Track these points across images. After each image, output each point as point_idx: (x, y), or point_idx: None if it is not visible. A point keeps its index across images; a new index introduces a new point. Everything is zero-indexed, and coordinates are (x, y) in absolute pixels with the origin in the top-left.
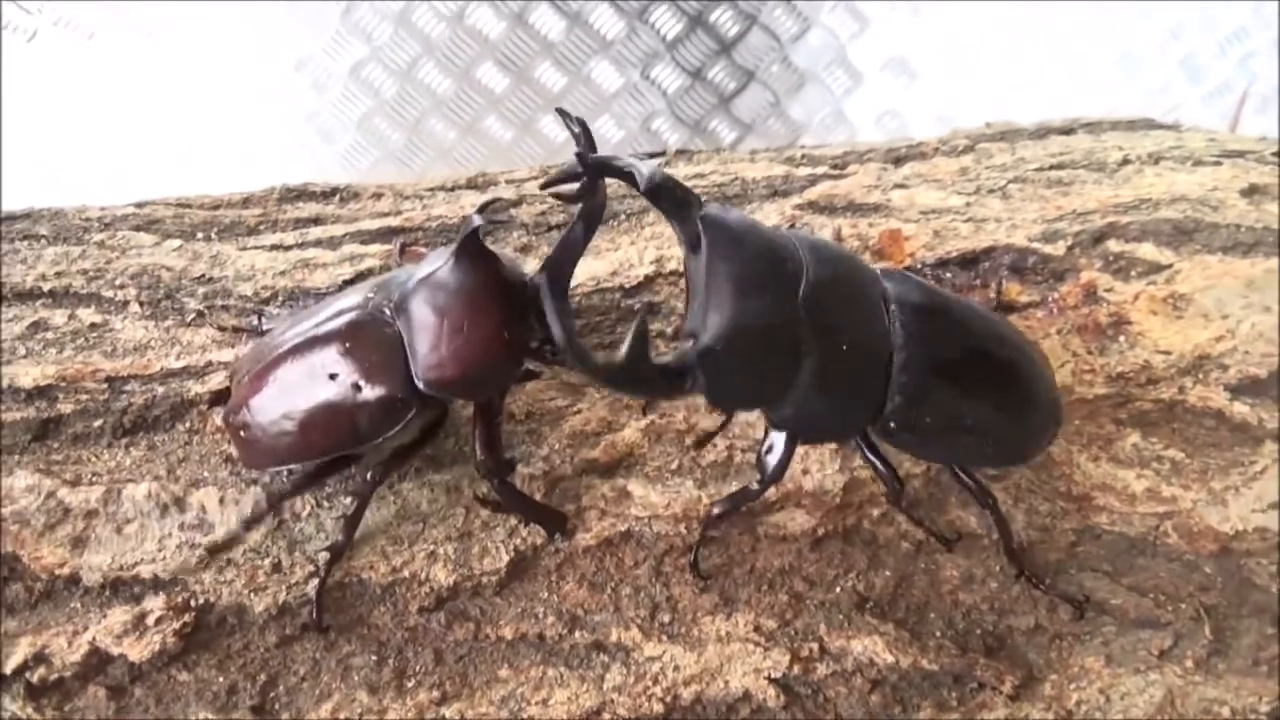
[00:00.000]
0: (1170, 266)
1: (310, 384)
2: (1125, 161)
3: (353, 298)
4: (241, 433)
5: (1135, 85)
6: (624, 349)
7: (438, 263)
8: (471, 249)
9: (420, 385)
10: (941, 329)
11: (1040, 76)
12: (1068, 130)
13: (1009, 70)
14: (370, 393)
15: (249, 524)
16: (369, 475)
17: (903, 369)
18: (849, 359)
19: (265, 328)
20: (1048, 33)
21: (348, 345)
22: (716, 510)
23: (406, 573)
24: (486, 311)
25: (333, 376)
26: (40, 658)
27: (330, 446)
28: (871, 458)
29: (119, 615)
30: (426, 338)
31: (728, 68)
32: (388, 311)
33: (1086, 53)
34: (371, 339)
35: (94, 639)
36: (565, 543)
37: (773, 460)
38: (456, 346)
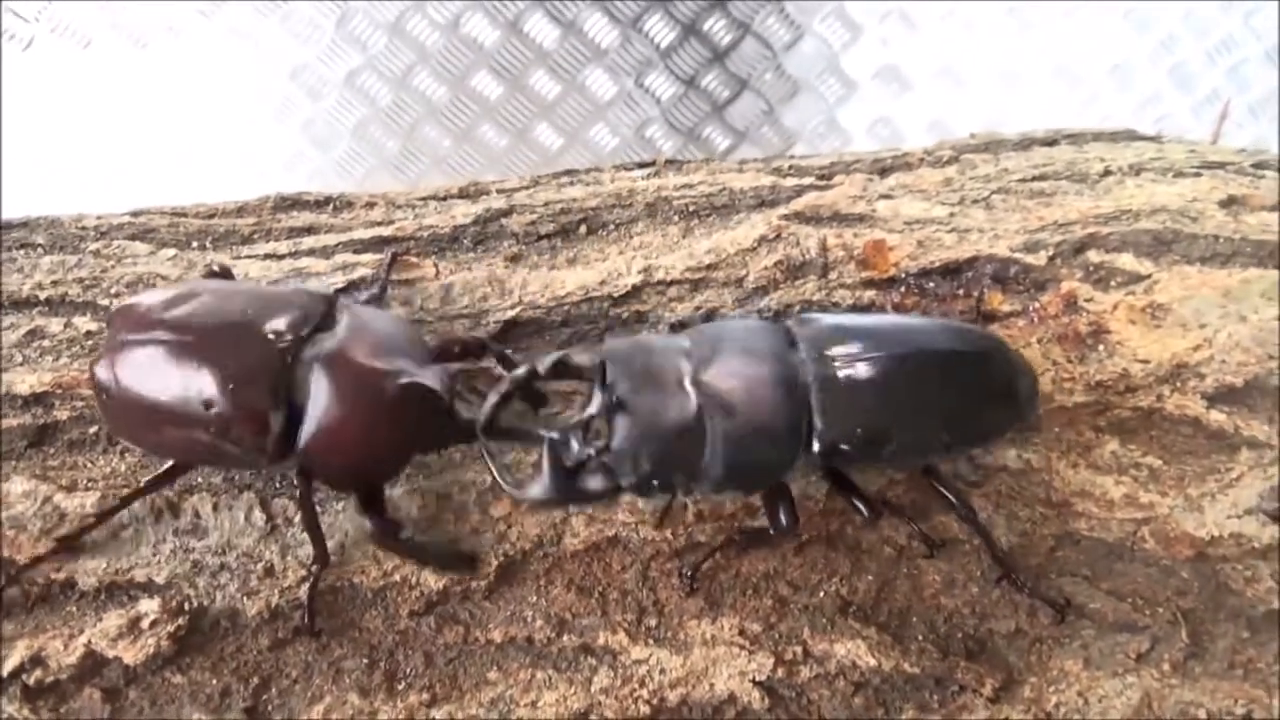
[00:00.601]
0: (1149, 277)
1: (181, 390)
2: (1107, 173)
3: (248, 323)
4: (103, 395)
5: (1126, 94)
6: (545, 478)
7: (382, 361)
8: (417, 391)
9: (297, 449)
10: (850, 348)
11: (1032, 85)
12: (1050, 141)
13: (1001, 79)
14: (236, 434)
15: (101, 517)
16: (299, 487)
17: (819, 394)
18: (751, 409)
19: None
20: (1040, 42)
21: (233, 384)
22: (740, 540)
23: (397, 577)
24: (396, 430)
25: (207, 406)
26: (37, 660)
27: (182, 458)
28: (841, 490)
29: (114, 619)
30: (326, 426)
31: (721, 76)
32: (288, 359)
33: (1078, 61)
34: (261, 386)
35: (89, 642)
36: (478, 581)
37: (775, 511)
38: (354, 453)
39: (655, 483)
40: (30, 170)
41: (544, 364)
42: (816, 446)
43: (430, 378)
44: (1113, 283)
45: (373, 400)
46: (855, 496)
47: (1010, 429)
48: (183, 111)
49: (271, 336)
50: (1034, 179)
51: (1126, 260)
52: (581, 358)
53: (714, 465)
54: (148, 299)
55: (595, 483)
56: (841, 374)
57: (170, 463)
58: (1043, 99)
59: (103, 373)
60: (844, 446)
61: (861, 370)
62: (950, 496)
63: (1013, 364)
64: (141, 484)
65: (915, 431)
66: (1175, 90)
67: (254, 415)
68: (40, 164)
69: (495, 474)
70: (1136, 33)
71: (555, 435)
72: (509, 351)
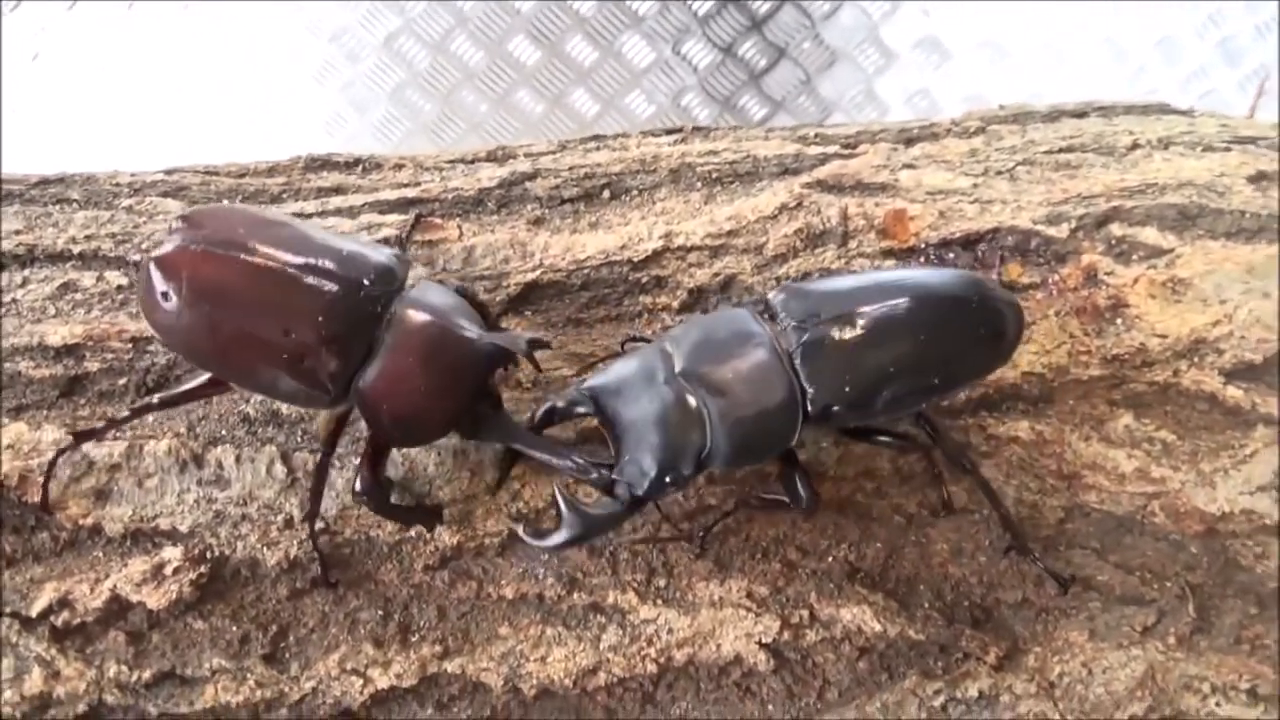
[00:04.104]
0: (1172, 251)
1: (263, 312)
2: (1135, 146)
3: (343, 264)
4: (164, 302)
5: (1173, 68)
6: (565, 520)
7: (459, 320)
8: (496, 352)
9: (355, 391)
10: (824, 309)
11: (1076, 59)
12: (1080, 114)
13: (1044, 52)
14: (308, 366)
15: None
16: (321, 447)
17: (803, 360)
18: (742, 381)
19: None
20: (1084, 14)
21: (322, 316)
22: (754, 504)
23: (413, 531)
24: (456, 394)
25: (287, 332)
26: (64, 602)
27: (235, 379)
28: (864, 440)
29: (138, 565)
30: (393, 369)
31: (759, 44)
32: (377, 308)
33: (1123, 35)
34: (347, 326)
35: (115, 586)
36: (440, 530)
37: (799, 486)
38: (412, 402)
39: (667, 479)
40: (70, 127)
41: (538, 415)
42: (810, 410)
43: (507, 340)
44: (1134, 256)
45: (447, 353)
46: (881, 438)
47: (1004, 360)
48: (224, 72)
49: (367, 283)
50: (1060, 151)
51: (1150, 234)
52: (569, 395)
53: (720, 444)
54: (229, 214)
55: (612, 505)
56: (820, 336)
57: (204, 378)
58: (1086, 72)
59: (167, 273)
60: (835, 407)
61: (839, 330)
62: (953, 451)
63: (992, 296)
64: (155, 398)
65: (903, 379)
66: (1223, 65)
67: (335, 354)
68: (81, 122)
69: (516, 530)
70: (1184, 7)
71: (573, 463)
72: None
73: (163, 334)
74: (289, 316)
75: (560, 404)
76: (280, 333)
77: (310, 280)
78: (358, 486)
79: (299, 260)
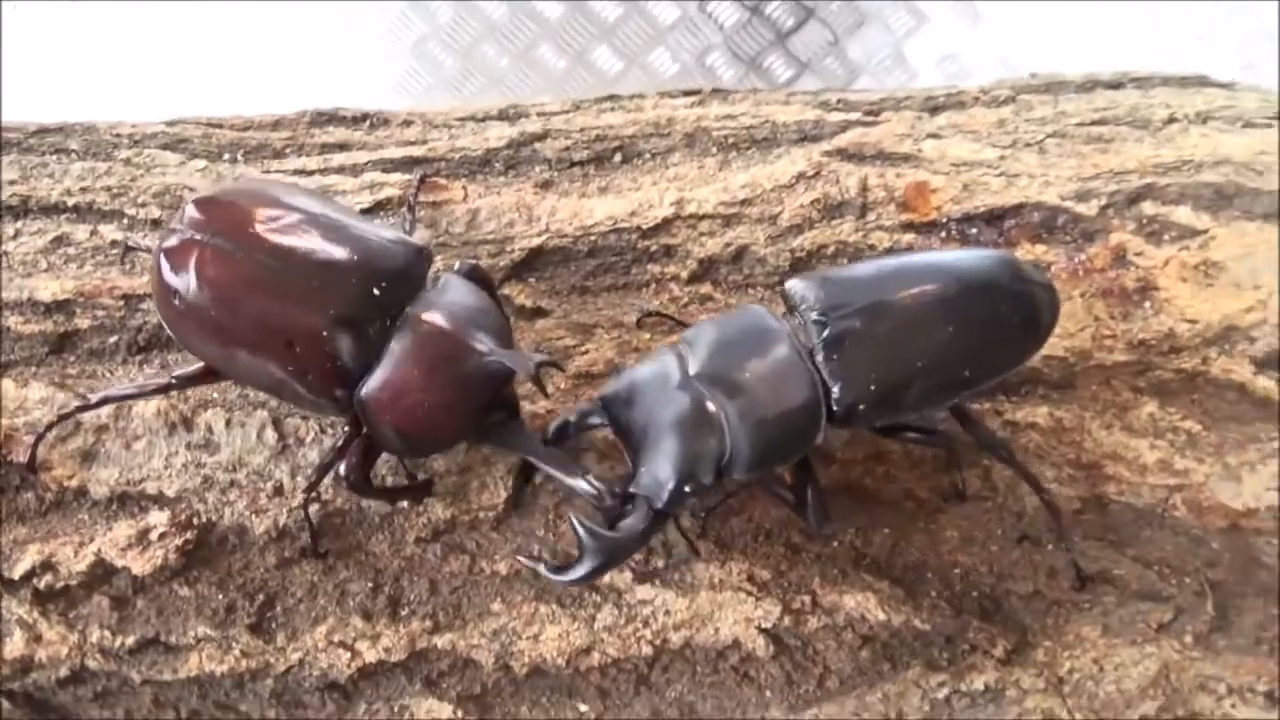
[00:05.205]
0: (1206, 232)
1: (267, 322)
2: (1171, 120)
3: (356, 267)
4: (171, 298)
5: (1213, 39)
6: (586, 548)
7: (471, 331)
8: (500, 370)
9: (356, 399)
10: (845, 300)
11: (1114, 25)
12: (1116, 84)
13: (1079, 15)
14: (312, 378)
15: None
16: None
17: (824, 357)
18: (760, 382)
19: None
20: None
21: (327, 329)
22: (758, 489)
23: (405, 503)
24: (461, 410)
25: (289, 345)
26: (47, 565)
27: (241, 381)
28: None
29: (124, 529)
30: (395, 381)
31: (786, 3)
32: (389, 314)
33: (1164, 3)
34: (354, 336)
35: (99, 550)
36: (433, 502)
37: (810, 508)
38: (414, 416)
39: (687, 488)
40: (80, 79)
41: (550, 432)
42: (835, 409)
43: (514, 361)
44: (1166, 237)
45: (448, 370)
46: (910, 435)
47: (1038, 349)
48: (244, 28)
49: (377, 293)
50: (1093, 123)
51: (1183, 214)
52: (580, 408)
53: (740, 449)
54: (236, 199)
55: (633, 524)
56: (843, 330)
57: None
58: (1124, 40)
59: (174, 267)
60: (861, 406)
61: (862, 322)
62: (989, 440)
63: (1025, 279)
64: (171, 378)
65: (933, 374)
66: (1263, 40)
67: (340, 370)
68: (93, 77)
69: (534, 567)
70: None
71: (587, 484)
72: None
73: (171, 328)
74: (293, 325)
75: (572, 418)
76: (283, 345)
77: (316, 289)
78: (342, 472)
79: (309, 261)
